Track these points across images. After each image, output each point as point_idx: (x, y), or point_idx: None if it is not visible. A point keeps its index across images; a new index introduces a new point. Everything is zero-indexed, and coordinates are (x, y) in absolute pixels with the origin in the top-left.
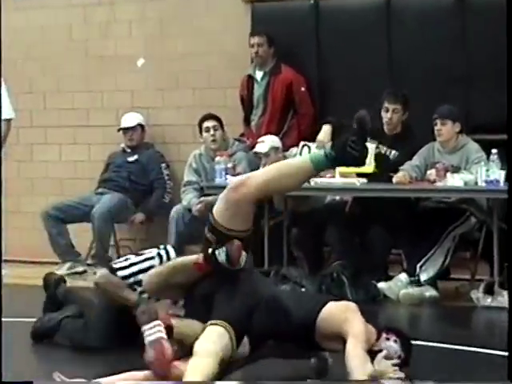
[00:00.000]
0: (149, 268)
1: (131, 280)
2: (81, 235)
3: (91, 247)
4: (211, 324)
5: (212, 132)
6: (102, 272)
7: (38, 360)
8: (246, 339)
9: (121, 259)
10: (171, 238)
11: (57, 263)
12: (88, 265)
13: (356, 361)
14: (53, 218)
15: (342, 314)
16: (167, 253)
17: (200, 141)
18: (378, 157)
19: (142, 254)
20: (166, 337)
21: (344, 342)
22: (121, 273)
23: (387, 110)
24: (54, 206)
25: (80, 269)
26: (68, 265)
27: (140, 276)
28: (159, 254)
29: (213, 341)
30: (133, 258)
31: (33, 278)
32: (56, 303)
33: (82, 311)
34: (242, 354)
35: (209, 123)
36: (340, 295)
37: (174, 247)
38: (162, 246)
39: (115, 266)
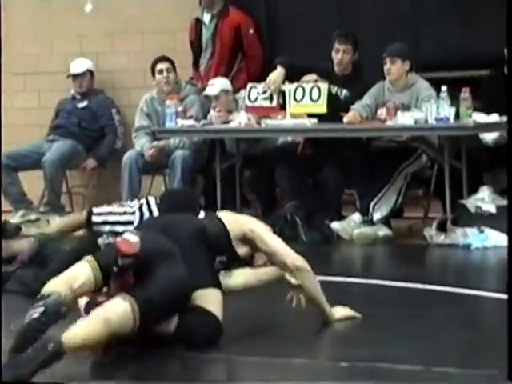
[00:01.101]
0: (126, 223)
1: (106, 228)
2: (32, 183)
3: (43, 195)
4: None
5: (165, 74)
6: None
7: None
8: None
9: (104, 206)
10: (125, 184)
11: (9, 212)
12: (41, 212)
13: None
14: (4, 167)
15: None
16: (149, 207)
17: (151, 85)
18: (329, 97)
19: (124, 206)
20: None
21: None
22: (96, 218)
23: (337, 51)
24: (5, 154)
25: (33, 217)
26: (21, 213)
27: (117, 227)
28: (141, 210)
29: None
30: (114, 208)
31: None
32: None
33: (38, 258)
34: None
35: (162, 65)
36: (293, 236)
37: (156, 198)
38: (144, 200)
39: (95, 210)
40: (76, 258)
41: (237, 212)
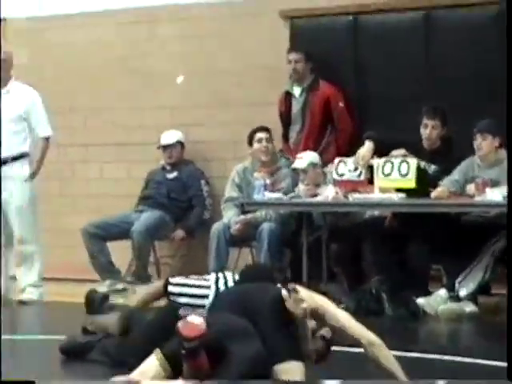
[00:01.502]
0: (202, 296)
1: (182, 300)
2: (120, 252)
3: (131, 264)
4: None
5: (265, 143)
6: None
7: (74, 377)
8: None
9: (181, 277)
10: (212, 255)
11: (96, 281)
12: (128, 282)
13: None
14: (93, 236)
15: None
16: (226, 281)
17: (241, 156)
18: (418, 172)
19: (201, 279)
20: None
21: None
22: (173, 288)
23: (426, 126)
24: (94, 223)
25: (120, 286)
26: (108, 282)
27: (193, 300)
28: (217, 284)
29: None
30: (190, 280)
31: (73, 296)
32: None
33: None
34: None
35: (262, 134)
36: (379, 311)
37: (233, 273)
38: (221, 275)
39: (172, 280)
40: (157, 328)
41: (323, 285)
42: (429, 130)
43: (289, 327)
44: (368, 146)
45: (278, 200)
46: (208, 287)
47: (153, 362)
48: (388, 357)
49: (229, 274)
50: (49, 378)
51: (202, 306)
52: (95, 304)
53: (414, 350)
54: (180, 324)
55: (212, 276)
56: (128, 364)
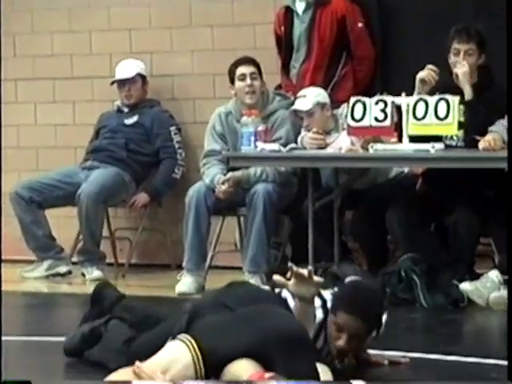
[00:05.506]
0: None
1: None
2: (64, 223)
3: (77, 239)
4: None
5: (249, 81)
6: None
7: None
8: None
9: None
10: (189, 228)
11: (32, 261)
12: (73, 263)
13: None
14: (26, 202)
15: None
16: None
17: (225, 95)
18: (461, 114)
19: None
20: None
21: None
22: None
23: (458, 53)
24: (28, 184)
25: (63, 269)
26: (47, 263)
27: None
28: None
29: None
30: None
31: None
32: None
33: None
34: None
35: (245, 69)
36: (410, 299)
37: None
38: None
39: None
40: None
41: (335, 266)
42: (461, 58)
43: None
44: None
45: (274, 153)
46: None
47: (182, 356)
48: None
49: None
50: None
51: None
52: (105, 301)
53: (457, 353)
54: None
55: None
56: None
